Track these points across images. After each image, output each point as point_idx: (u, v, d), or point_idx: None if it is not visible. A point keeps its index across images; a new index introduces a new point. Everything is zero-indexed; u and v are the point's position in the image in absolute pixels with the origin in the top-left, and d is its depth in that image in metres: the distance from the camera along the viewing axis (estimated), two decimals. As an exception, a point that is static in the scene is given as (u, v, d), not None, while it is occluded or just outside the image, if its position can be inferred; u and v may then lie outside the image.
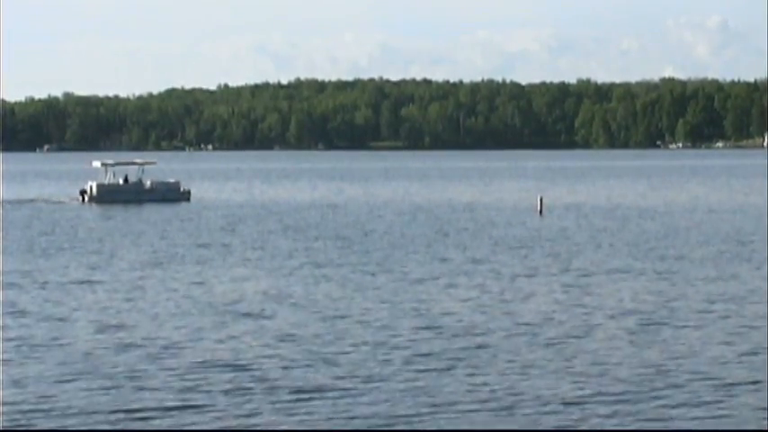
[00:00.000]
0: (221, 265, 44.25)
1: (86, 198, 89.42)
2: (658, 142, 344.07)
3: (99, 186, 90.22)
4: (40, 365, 24.38)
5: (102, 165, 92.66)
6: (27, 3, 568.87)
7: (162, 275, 40.72)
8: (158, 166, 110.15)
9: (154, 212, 77.04)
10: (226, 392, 21.84)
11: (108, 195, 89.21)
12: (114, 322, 29.89)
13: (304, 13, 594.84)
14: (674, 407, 20.59)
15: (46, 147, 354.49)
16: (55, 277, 40.37)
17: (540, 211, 73.30)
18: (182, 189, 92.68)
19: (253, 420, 19.95)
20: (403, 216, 72.02)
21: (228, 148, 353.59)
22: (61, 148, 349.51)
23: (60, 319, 30.51)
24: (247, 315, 31.04)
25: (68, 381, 22.91)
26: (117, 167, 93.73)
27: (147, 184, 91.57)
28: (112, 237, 58.19)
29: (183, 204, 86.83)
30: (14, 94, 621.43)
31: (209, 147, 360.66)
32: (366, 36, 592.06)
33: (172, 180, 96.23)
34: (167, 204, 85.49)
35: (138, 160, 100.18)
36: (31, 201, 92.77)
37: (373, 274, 40.13)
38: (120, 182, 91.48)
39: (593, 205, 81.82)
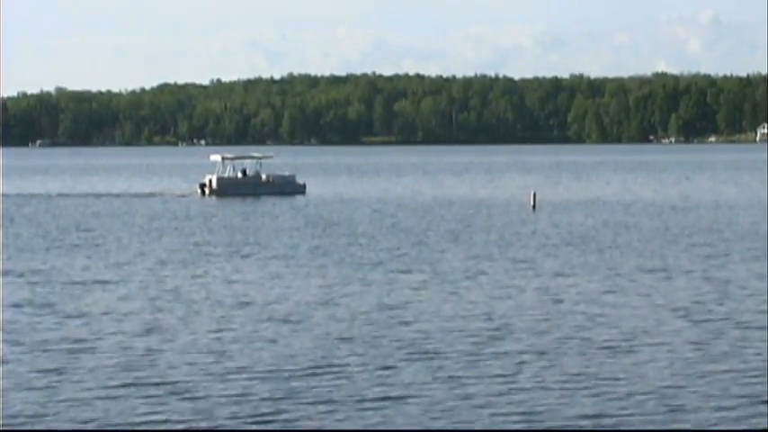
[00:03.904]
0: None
1: (206, 191, 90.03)
2: (651, 137, 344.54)
3: (219, 180, 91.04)
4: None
5: (222, 159, 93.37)
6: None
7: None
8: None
9: (277, 205, 77.20)
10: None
11: (227, 188, 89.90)
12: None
13: (296, 8, 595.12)
14: (746, 417, 19.84)
15: (38, 142, 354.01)
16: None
17: (534, 207, 72.55)
18: (297, 182, 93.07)
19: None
20: (420, 212, 71.40)
21: (221, 144, 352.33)
22: (54, 144, 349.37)
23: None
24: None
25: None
26: (236, 161, 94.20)
27: (264, 177, 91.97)
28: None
29: (299, 197, 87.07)
30: (7, 90, 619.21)
31: (202, 142, 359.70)
32: (359, 31, 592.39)
33: (287, 173, 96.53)
34: (284, 197, 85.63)
35: (255, 154, 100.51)
36: (154, 194, 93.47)
37: (421, 275, 39.33)
38: (239, 175, 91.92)
39: (604, 201, 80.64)
